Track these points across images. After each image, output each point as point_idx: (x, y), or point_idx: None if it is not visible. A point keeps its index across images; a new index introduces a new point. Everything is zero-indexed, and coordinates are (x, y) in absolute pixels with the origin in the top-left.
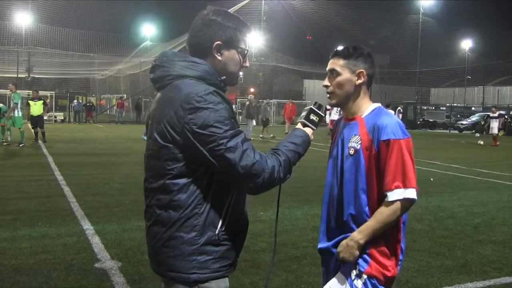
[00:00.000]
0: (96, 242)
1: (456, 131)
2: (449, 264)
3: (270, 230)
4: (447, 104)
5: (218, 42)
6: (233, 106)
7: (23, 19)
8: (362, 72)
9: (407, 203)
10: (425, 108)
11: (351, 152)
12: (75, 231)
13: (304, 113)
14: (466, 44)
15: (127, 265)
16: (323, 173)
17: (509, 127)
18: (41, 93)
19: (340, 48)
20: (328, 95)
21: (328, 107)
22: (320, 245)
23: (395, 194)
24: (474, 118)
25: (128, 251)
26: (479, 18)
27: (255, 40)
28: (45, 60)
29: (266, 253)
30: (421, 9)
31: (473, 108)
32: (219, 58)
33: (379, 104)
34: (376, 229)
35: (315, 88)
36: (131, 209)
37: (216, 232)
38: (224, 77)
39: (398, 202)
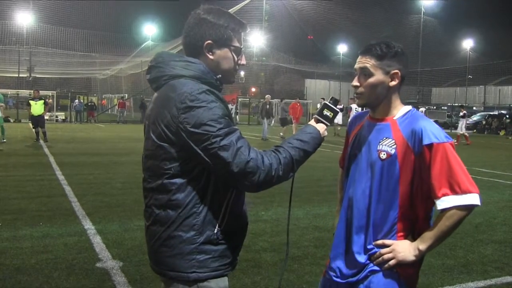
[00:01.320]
0: (97, 241)
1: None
2: (450, 264)
3: (271, 229)
4: (449, 104)
5: (209, 41)
6: (234, 106)
7: (24, 19)
8: (397, 73)
9: (463, 210)
10: (426, 107)
11: (383, 156)
12: (76, 231)
13: (318, 108)
14: (468, 44)
15: (128, 265)
16: (324, 172)
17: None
18: (42, 92)
19: (371, 44)
20: (356, 95)
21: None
22: (336, 278)
23: (444, 202)
24: (475, 117)
25: (129, 250)
26: (481, 17)
27: (256, 39)
28: (46, 59)
29: (267, 253)
30: (423, 9)
31: (474, 108)
32: (211, 57)
33: (411, 107)
34: (438, 236)
35: (316, 88)
36: (132, 209)
37: (215, 231)
38: (220, 76)
39: (452, 210)
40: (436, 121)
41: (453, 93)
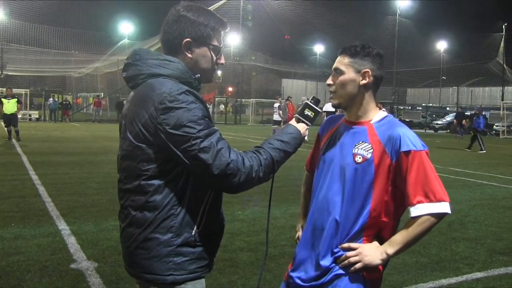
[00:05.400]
0: (72, 242)
1: (432, 131)
2: (423, 262)
3: (248, 229)
4: (423, 104)
5: (187, 39)
6: (211, 106)
7: None
8: (368, 72)
9: (435, 218)
10: (401, 108)
11: (358, 159)
12: (50, 232)
13: (299, 108)
14: (441, 45)
15: (103, 266)
16: (300, 172)
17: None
18: (15, 91)
19: (349, 45)
20: (330, 95)
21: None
22: (299, 282)
23: (418, 210)
24: (448, 118)
25: (104, 251)
26: (454, 20)
27: (234, 39)
28: (19, 57)
29: (244, 252)
30: (398, 10)
31: (447, 108)
32: (190, 55)
33: (386, 113)
34: (407, 242)
35: (293, 88)
36: (108, 209)
37: (193, 233)
38: (199, 75)
39: (425, 217)
40: (411, 121)
41: (427, 94)
